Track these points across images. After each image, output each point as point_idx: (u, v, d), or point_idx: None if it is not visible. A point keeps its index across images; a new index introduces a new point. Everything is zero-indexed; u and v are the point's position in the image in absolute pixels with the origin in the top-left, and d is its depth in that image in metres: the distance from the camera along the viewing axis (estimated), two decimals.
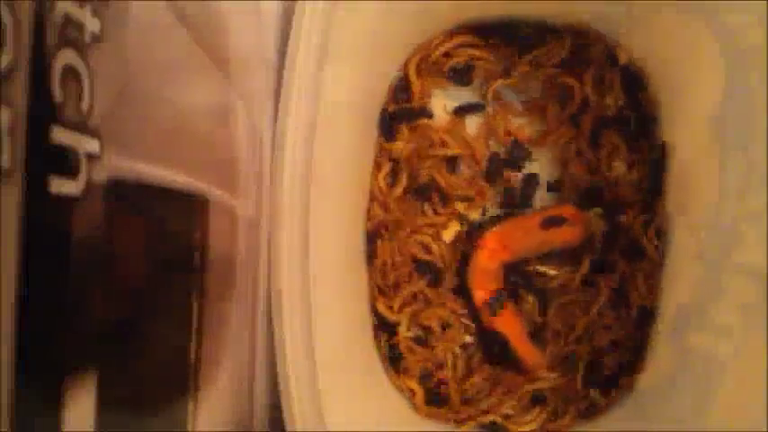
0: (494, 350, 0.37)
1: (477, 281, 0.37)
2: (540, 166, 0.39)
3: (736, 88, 0.31)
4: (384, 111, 0.38)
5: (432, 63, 0.38)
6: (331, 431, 0.29)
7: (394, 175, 0.38)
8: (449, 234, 0.38)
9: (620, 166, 0.38)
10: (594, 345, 0.37)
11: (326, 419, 0.29)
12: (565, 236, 0.37)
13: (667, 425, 0.33)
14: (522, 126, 0.39)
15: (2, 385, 0.13)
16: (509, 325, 0.37)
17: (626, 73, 0.38)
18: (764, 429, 0.28)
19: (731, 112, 0.32)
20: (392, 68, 0.38)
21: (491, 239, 0.37)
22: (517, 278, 0.38)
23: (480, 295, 0.37)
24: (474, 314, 0.37)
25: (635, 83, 0.38)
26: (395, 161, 0.38)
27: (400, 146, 0.37)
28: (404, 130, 0.38)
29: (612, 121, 0.38)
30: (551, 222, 0.37)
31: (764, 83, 0.30)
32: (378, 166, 0.37)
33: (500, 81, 0.38)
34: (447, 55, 0.38)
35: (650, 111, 0.37)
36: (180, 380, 0.24)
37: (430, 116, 0.39)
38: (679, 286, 0.35)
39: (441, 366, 0.37)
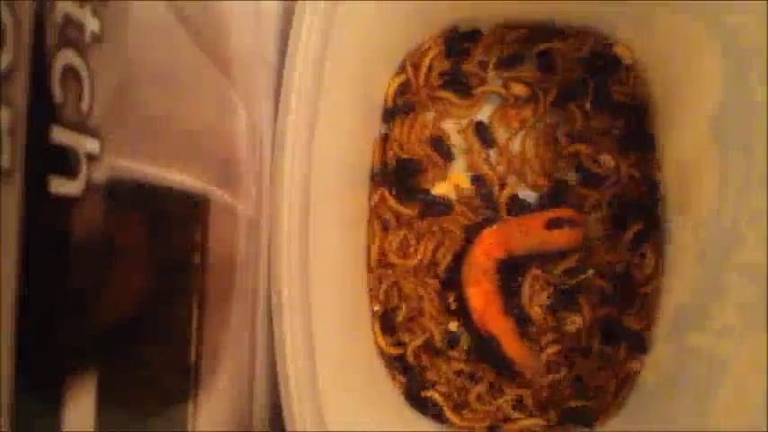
0: (486, 350, 0.37)
1: (470, 278, 0.37)
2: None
3: (736, 88, 0.31)
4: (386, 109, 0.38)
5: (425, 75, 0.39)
6: (331, 431, 0.29)
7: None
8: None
9: (608, 160, 0.38)
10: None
11: (326, 419, 0.29)
12: (564, 238, 0.37)
13: (668, 425, 0.33)
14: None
15: (2, 385, 0.13)
16: (500, 325, 0.37)
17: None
18: (764, 429, 0.28)
19: (731, 112, 0.32)
20: (392, 68, 0.38)
21: (488, 236, 0.37)
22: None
23: (472, 293, 0.37)
24: (465, 313, 0.37)
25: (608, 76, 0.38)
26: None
27: (397, 133, 0.38)
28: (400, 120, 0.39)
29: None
30: (554, 223, 0.37)
31: (764, 83, 0.30)
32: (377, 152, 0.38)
33: (485, 87, 0.39)
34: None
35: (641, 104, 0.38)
36: (180, 380, 0.24)
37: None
38: (679, 286, 0.35)
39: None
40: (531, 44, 0.39)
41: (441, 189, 0.39)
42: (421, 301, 0.38)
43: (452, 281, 0.38)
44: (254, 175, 0.30)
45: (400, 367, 0.38)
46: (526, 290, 0.38)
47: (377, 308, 0.38)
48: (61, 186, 0.15)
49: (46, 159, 0.15)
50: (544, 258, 0.38)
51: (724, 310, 0.32)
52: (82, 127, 0.16)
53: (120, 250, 0.19)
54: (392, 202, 0.38)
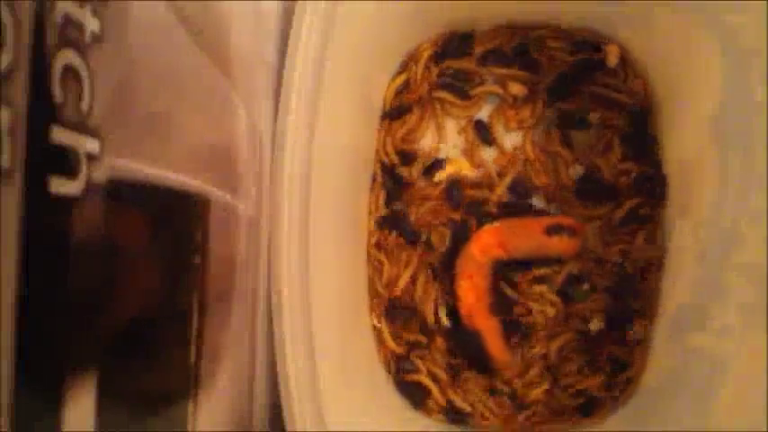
0: (466, 344, 0.37)
1: (464, 271, 0.37)
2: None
3: (736, 88, 0.31)
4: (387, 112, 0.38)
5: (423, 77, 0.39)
6: (331, 431, 0.29)
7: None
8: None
9: (577, 170, 0.38)
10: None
11: (326, 419, 0.29)
12: (562, 245, 0.37)
13: (668, 425, 0.33)
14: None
15: (2, 385, 0.13)
16: (485, 322, 0.37)
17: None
18: (764, 429, 0.28)
19: (731, 112, 0.32)
20: (391, 68, 0.38)
21: (487, 233, 0.37)
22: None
23: (463, 286, 0.37)
24: (453, 305, 0.37)
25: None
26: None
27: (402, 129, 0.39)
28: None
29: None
30: (553, 229, 0.37)
31: (764, 83, 0.30)
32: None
33: (483, 87, 0.39)
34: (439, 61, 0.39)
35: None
36: (180, 380, 0.24)
37: None
38: (679, 286, 0.35)
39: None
40: (525, 42, 0.39)
41: (443, 174, 0.39)
42: (418, 299, 0.38)
43: (448, 271, 0.38)
44: (254, 175, 0.30)
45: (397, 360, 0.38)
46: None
47: (377, 323, 0.38)
48: (61, 186, 0.15)
49: (46, 159, 0.15)
50: (540, 264, 0.38)
51: (724, 310, 0.32)
52: (82, 127, 0.16)
53: (120, 250, 0.19)
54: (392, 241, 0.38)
